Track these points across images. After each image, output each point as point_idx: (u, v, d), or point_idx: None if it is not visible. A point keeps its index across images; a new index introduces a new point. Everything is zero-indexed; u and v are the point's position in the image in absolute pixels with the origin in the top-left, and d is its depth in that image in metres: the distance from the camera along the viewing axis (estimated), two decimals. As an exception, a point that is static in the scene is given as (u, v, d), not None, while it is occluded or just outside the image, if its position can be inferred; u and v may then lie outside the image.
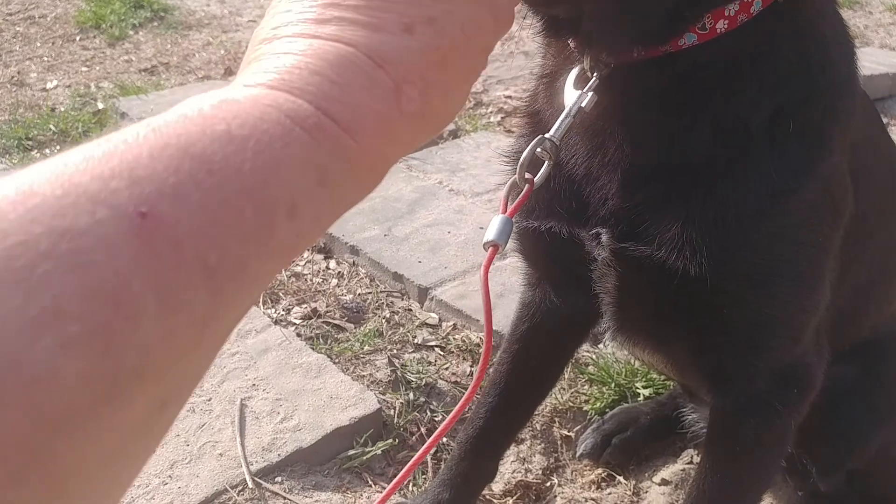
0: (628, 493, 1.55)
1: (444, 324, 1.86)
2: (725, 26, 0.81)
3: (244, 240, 0.37)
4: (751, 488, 1.09)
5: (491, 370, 1.31)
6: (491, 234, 0.68)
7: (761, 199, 0.87)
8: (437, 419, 1.64)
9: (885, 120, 3.21)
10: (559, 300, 1.13)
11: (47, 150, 2.55)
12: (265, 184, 0.38)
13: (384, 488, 1.52)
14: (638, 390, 1.71)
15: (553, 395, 1.72)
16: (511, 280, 1.83)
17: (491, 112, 3.00)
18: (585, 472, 1.59)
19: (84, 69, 3.36)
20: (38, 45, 3.61)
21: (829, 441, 1.32)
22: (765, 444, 1.04)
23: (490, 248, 0.67)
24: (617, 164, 0.90)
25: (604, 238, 0.93)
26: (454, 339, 1.81)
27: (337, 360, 1.73)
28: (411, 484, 1.52)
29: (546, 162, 0.75)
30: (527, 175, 0.74)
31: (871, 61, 3.65)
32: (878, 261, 1.15)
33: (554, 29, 0.86)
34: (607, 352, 1.78)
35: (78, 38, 3.66)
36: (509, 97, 3.10)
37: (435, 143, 2.71)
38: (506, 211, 0.70)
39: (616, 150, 0.90)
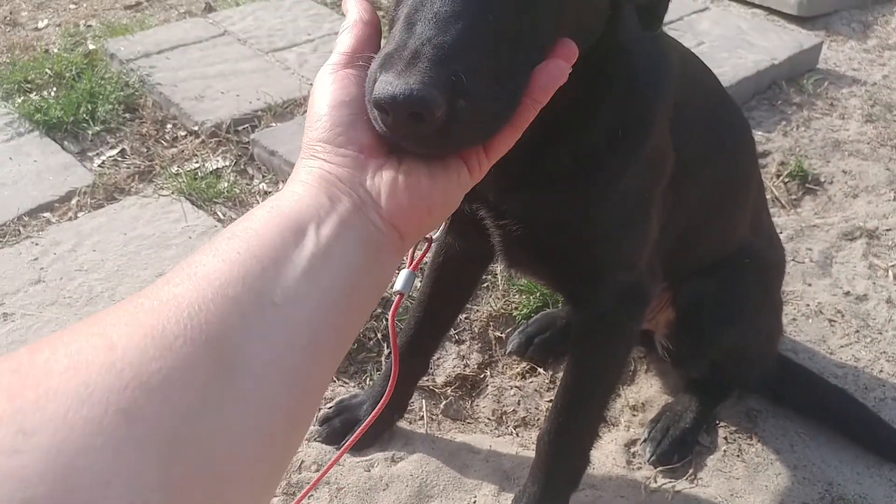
0: (546, 381, 1.90)
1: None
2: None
3: None
4: (603, 377, 1.42)
5: (418, 291, 1.65)
6: (399, 284, 0.94)
7: (601, 181, 1.16)
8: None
9: (826, 36, 3.46)
10: (463, 245, 1.45)
11: (45, 93, 2.80)
12: None
13: (346, 383, 1.87)
14: (558, 299, 2.04)
15: (489, 303, 2.06)
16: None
17: None
18: (513, 366, 1.94)
19: (72, 6, 3.58)
20: (27, -19, 3.80)
21: (694, 340, 1.66)
22: (612, 345, 1.37)
23: (397, 296, 0.95)
24: (494, 178, 1.17)
25: (483, 213, 1.22)
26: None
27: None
28: (368, 378, 1.87)
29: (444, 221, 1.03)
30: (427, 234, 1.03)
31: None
32: (708, 196, 1.45)
33: None
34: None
35: (63, -27, 3.85)
36: None
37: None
38: (411, 265, 0.97)
39: (496, 169, 1.17)
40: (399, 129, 0.71)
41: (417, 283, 1.95)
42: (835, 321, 2.06)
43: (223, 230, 0.63)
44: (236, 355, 0.53)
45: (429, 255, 1.73)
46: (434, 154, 0.75)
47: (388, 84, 0.69)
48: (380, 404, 1.12)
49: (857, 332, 2.03)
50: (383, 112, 0.71)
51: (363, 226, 0.68)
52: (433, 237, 1.04)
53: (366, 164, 0.72)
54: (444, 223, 1.04)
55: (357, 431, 1.17)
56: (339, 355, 0.64)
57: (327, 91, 0.76)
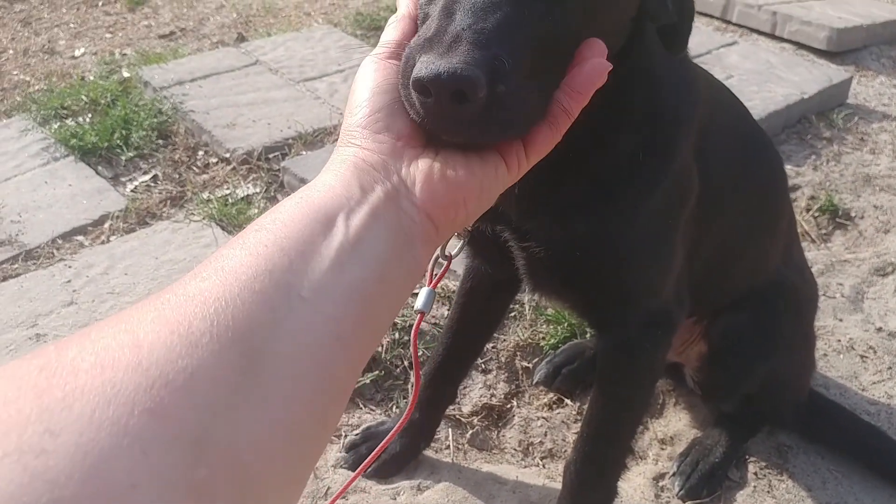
0: (573, 412, 1.89)
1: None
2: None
3: None
4: (629, 406, 1.40)
5: (446, 317, 1.64)
6: (419, 303, 0.93)
7: (623, 205, 1.16)
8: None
9: (855, 72, 3.45)
10: (489, 270, 1.45)
11: (80, 119, 2.85)
12: None
13: (373, 410, 1.87)
14: (586, 329, 2.03)
15: (516, 333, 2.05)
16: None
17: None
18: (540, 397, 1.93)
19: (108, 35, 3.65)
20: (64, 10, 3.89)
21: (727, 374, 1.64)
22: (637, 372, 1.35)
23: (419, 314, 0.94)
24: (516, 199, 1.15)
25: (506, 235, 1.22)
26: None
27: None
28: (394, 406, 1.86)
29: (462, 240, 1.02)
30: (447, 252, 1.03)
31: (849, 12, 3.86)
32: (738, 225, 1.44)
33: None
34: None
35: (100, 3, 3.93)
36: None
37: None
38: (430, 283, 0.97)
39: (517, 191, 1.14)
40: (440, 112, 0.71)
41: (446, 312, 1.95)
42: (867, 357, 2.04)
43: (252, 223, 0.63)
44: (263, 352, 0.52)
45: (455, 281, 1.75)
46: (473, 144, 0.75)
47: (431, 63, 0.69)
48: (402, 418, 1.11)
49: (890, 368, 2.00)
50: (424, 93, 0.70)
51: (395, 215, 0.66)
52: (452, 255, 1.03)
53: (402, 152, 0.71)
54: (463, 243, 1.03)
55: (379, 447, 1.15)
56: (370, 347, 0.63)
57: (370, 78, 0.76)
